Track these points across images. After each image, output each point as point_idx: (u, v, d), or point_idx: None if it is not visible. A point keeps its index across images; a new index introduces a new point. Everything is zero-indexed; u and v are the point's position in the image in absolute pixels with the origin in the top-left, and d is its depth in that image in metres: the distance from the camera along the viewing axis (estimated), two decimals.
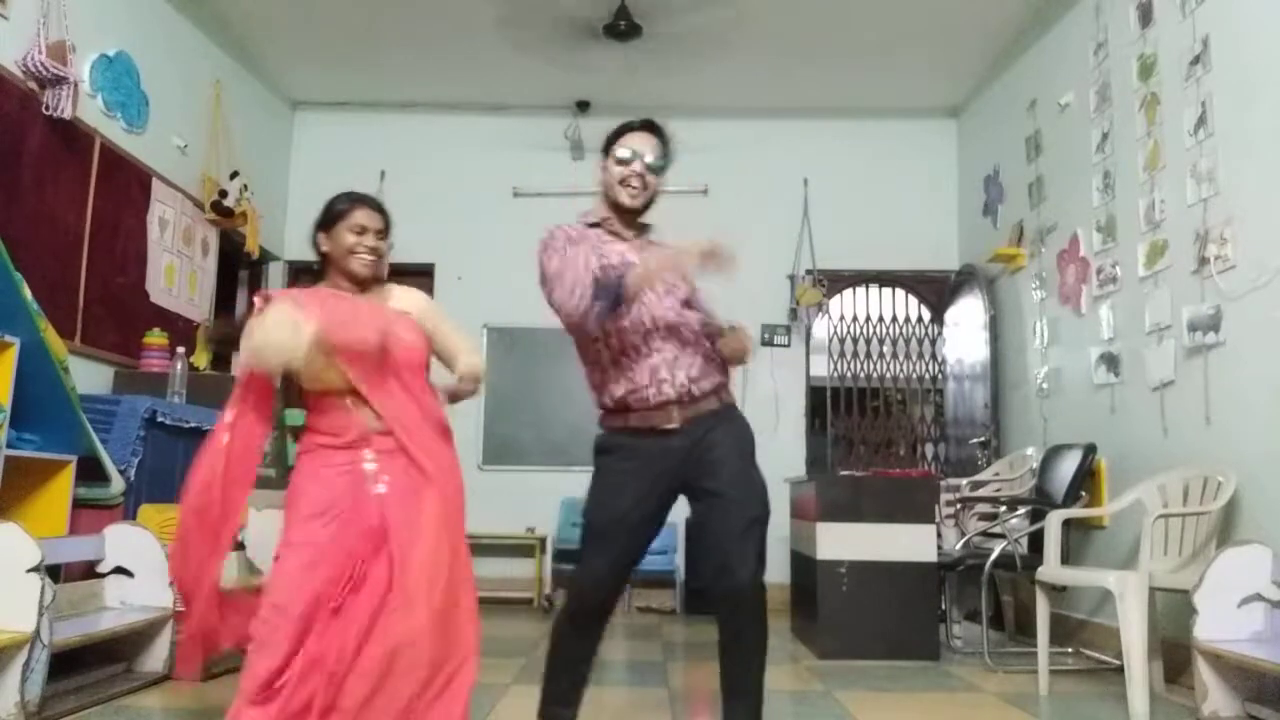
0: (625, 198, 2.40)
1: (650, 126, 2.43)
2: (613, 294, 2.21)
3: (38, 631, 2.69)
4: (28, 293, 3.25)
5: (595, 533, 2.36)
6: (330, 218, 2.38)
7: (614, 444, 2.40)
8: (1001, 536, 4.31)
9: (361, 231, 2.36)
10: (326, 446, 2.30)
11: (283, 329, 2.11)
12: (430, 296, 2.53)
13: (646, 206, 2.44)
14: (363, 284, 2.40)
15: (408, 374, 2.30)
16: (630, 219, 2.45)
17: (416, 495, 2.25)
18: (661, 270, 2.27)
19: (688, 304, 2.41)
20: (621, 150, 2.38)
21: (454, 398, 2.46)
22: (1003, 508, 4.50)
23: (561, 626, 2.40)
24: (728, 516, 2.27)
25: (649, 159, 2.38)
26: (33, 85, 3.93)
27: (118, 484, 3.66)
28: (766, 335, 6.40)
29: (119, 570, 3.48)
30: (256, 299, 2.24)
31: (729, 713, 2.27)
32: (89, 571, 3.48)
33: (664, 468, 2.32)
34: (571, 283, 2.22)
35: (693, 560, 5.91)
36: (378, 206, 2.43)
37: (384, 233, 2.41)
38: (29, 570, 2.72)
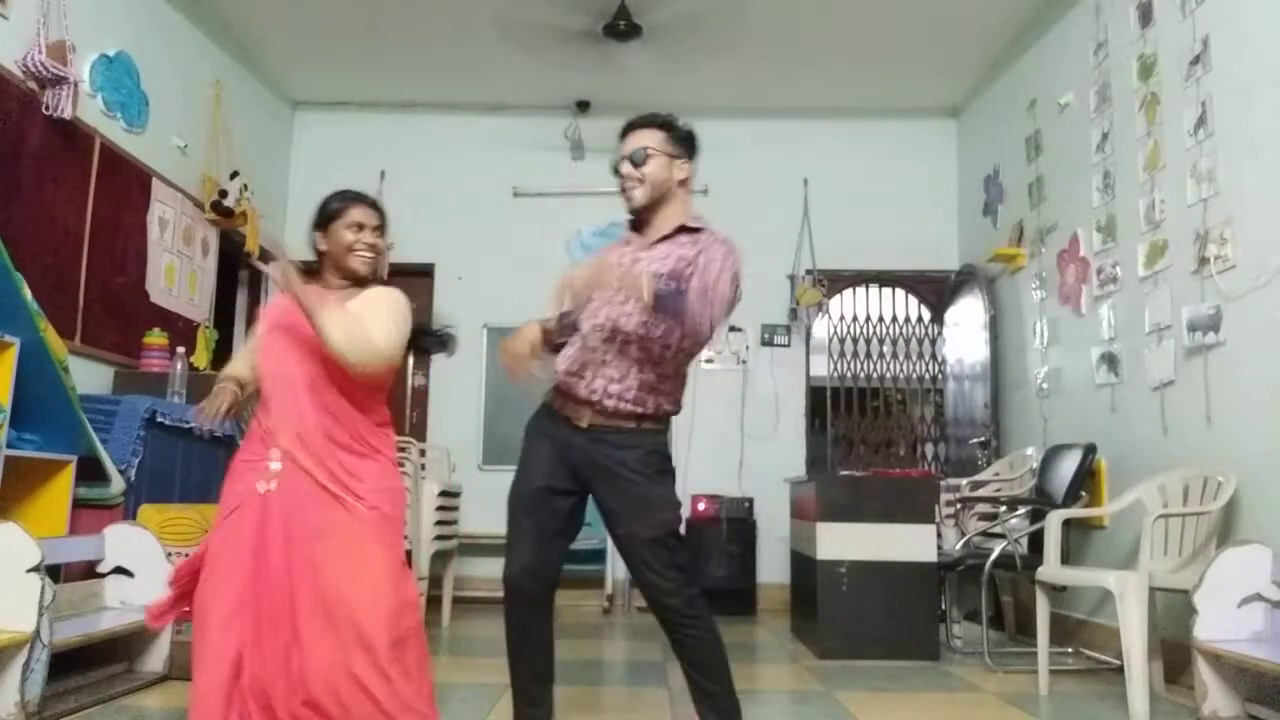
0: (624, 202, 2.40)
1: (634, 124, 2.41)
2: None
3: (38, 631, 2.69)
4: (28, 293, 3.25)
5: (511, 513, 2.36)
6: (326, 216, 2.38)
7: (536, 420, 2.45)
8: (1001, 536, 4.31)
9: (359, 228, 2.36)
10: (254, 436, 2.34)
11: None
12: (400, 296, 2.44)
13: (655, 202, 2.38)
14: (360, 282, 2.39)
15: (323, 385, 2.28)
16: (645, 220, 2.42)
17: (311, 506, 2.22)
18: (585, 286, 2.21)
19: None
20: (617, 160, 2.39)
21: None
22: (1003, 508, 4.50)
23: (507, 626, 2.36)
24: (628, 535, 2.29)
25: (632, 153, 2.36)
26: (33, 85, 3.93)
27: (118, 484, 3.66)
28: (766, 335, 6.41)
29: (119, 570, 3.48)
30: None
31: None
32: (89, 571, 3.47)
33: (569, 458, 2.33)
34: None
35: (693, 560, 5.90)
36: (373, 203, 2.43)
37: (380, 229, 2.41)
38: (29, 570, 2.72)
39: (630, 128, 2.42)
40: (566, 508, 2.35)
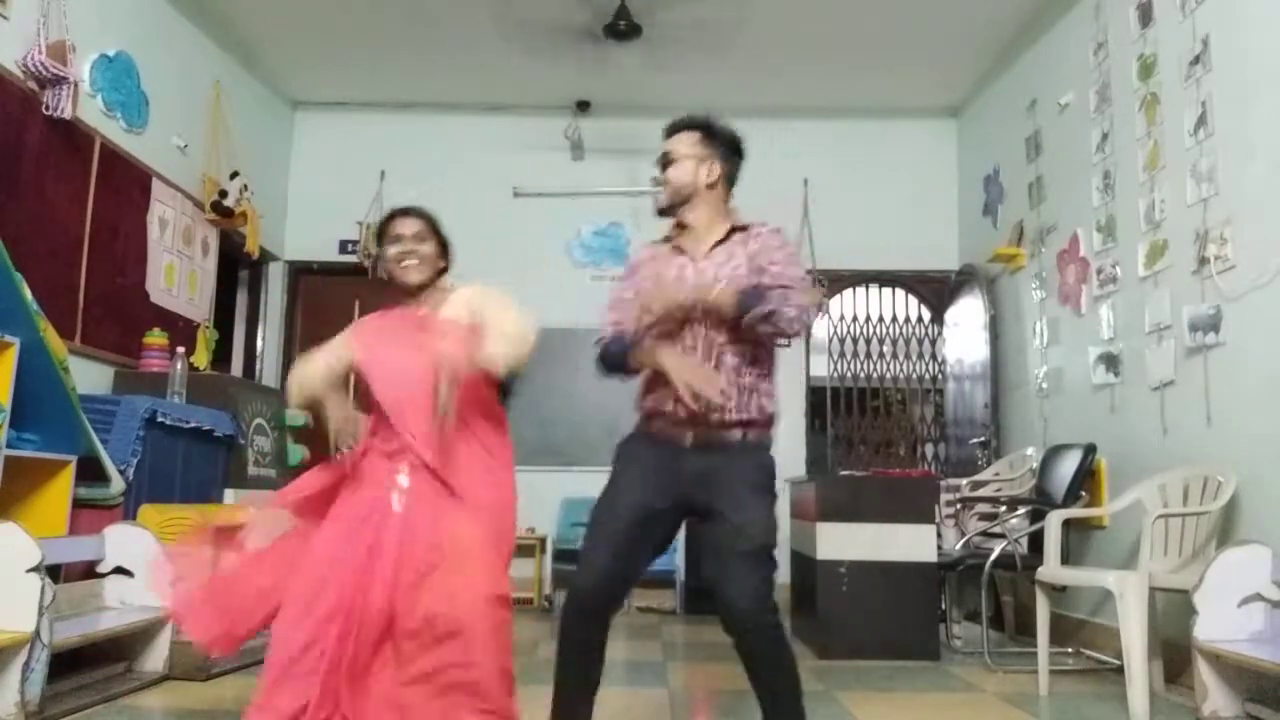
0: (655, 206, 2.43)
1: (670, 128, 2.43)
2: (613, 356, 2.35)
3: (38, 631, 2.69)
4: (28, 293, 3.25)
5: (596, 523, 2.32)
6: (379, 240, 2.44)
7: (632, 443, 2.40)
8: (1001, 536, 4.31)
9: (397, 240, 2.39)
10: (376, 451, 2.33)
11: (307, 368, 2.36)
12: (485, 288, 2.47)
13: (679, 205, 2.39)
14: (419, 291, 2.41)
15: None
16: (684, 224, 2.42)
17: (434, 518, 2.23)
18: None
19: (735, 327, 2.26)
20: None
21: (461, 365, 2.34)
22: (1003, 508, 4.50)
23: (564, 640, 2.31)
24: (726, 541, 2.23)
25: (660, 158, 2.39)
26: (33, 85, 3.93)
27: (118, 484, 3.66)
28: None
29: (119, 570, 3.48)
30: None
31: None
32: (89, 571, 3.48)
33: (673, 479, 2.28)
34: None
35: (693, 560, 5.91)
36: (413, 212, 2.44)
37: (424, 234, 2.41)
38: (29, 570, 2.72)
39: (667, 132, 2.43)
40: (655, 531, 2.31)
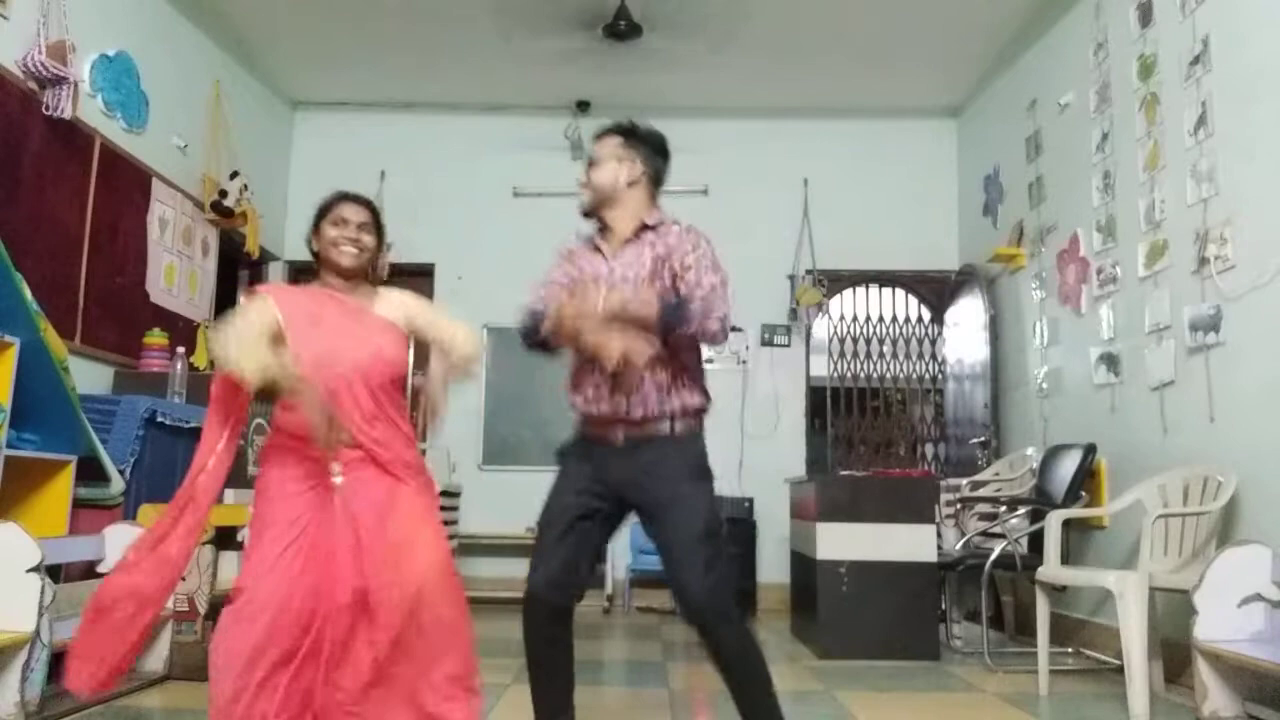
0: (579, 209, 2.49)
1: (597, 135, 2.49)
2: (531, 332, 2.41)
3: (38, 631, 2.69)
4: (28, 293, 3.25)
5: (540, 530, 2.38)
6: (317, 216, 2.42)
7: (570, 445, 2.45)
8: (1001, 536, 4.31)
9: (342, 223, 2.37)
10: (295, 451, 2.27)
11: (242, 347, 2.13)
12: (421, 296, 2.51)
13: (604, 205, 2.43)
14: (350, 278, 2.40)
15: (383, 393, 2.32)
16: (605, 224, 2.46)
17: (388, 492, 2.26)
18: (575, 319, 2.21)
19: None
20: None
21: (449, 377, 2.45)
22: (1003, 508, 4.50)
23: (528, 641, 2.35)
24: (671, 536, 2.27)
25: (585, 163, 2.47)
26: (33, 85, 3.93)
27: (117, 484, 3.66)
28: (766, 335, 6.41)
29: None
30: (247, 293, 2.30)
31: None
32: (89, 571, 3.48)
33: (608, 477, 2.33)
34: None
35: None
36: (363, 201, 2.45)
37: (369, 226, 2.41)
38: (29, 570, 2.72)
39: (594, 138, 2.50)
40: (598, 524, 2.36)
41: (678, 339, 2.26)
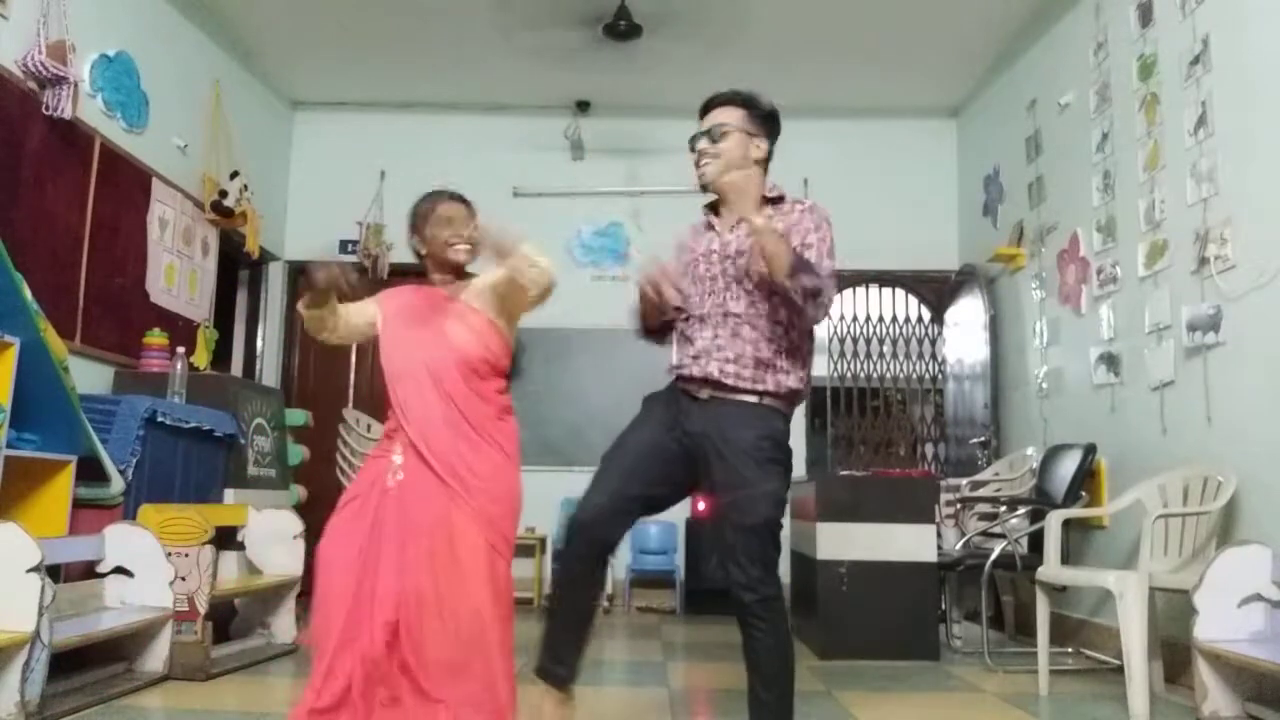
0: (697, 177, 2.42)
1: (715, 101, 2.46)
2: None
3: (38, 631, 2.69)
4: (28, 293, 3.24)
5: (604, 461, 2.36)
6: (418, 219, 2.48)
7: (654, 395, 2.44)
8: (1001, 536, 4.31)
9: (449, 223, 2.44)
10: (385, 432, 2.43)
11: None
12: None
13: (731, 180, 2.38)
14: (460, 276, 2.48)
15: (448, 377, 2.33)
16: (722, 199, 2.43)
17: (428, 500, 2.27)
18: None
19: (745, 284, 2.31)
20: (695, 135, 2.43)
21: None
22: (1003, 508, 4.50)
23: (562, 569, 2.38)
24: (726, 519, 2.25)
25: (710, 129, 2.39)
26: (33, 85, 3.93)
27: (118, 484, 3.65)
28: None
29: (119, 570, 3.48)
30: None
31: None
32: (89, 571, 3.47)
33: (683, 421, 2.32)
34: None
35: (693, 561, 5.91)
36: (457, 197, 2.51)
37: (471, 223, 2.47)
38: (29, 570, 2.72)
39: (710, 104, 2.45)
40: (659, 469, 2.33)
41: (789, 296, 2.21)
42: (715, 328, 2.32)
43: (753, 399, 2.29)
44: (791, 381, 2.33)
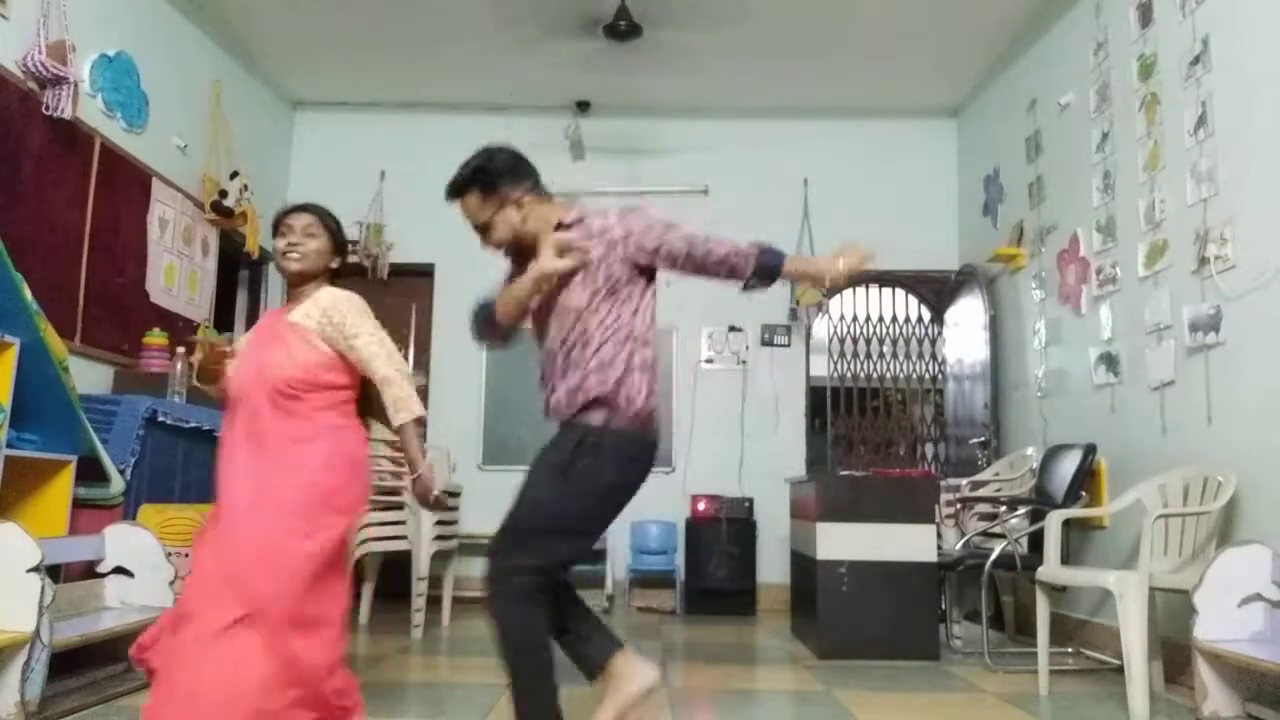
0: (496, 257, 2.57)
1: (455, 195, 2.56)
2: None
3: (38, 631, 2.69)
4: (28, 293, 3.25)
5: (588, 525, 2.38)
6: (274, 235, 2.59)
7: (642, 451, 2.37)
8: (1001, 536, 4.31)
9: (287, 231, 2.53)
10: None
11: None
12: (357, 300, 2.54)
13: (511, 247, 2.49)
14: (303, 283, 2.54)
15: (260, 398, 2.41)
16: (526, 256, 2.47)
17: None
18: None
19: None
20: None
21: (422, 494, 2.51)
22: (1003, 508, 4.50)
23: (523, 620, 2.24)
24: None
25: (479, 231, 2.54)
26: (33, 85, 3.93)
27: (117, 484, 3.66)
28: (766, 335, 6.41)
29: (119, 570, 3.48)
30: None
31: None
32: (89, 571, 3.48)
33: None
34: None
35: (693, 561, 5.90)
36: (305, 208, 2.59)
37: (312, 230, 2.54)
38: (29, 570, 2.72)
39: (453, 195, 2.55)
40: None
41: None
42: (561, 351, 2.37)
43: (569, 415, 2.34)
44: (597, 388, 2.30)
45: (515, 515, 2.27)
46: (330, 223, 2.58)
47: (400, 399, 2.42)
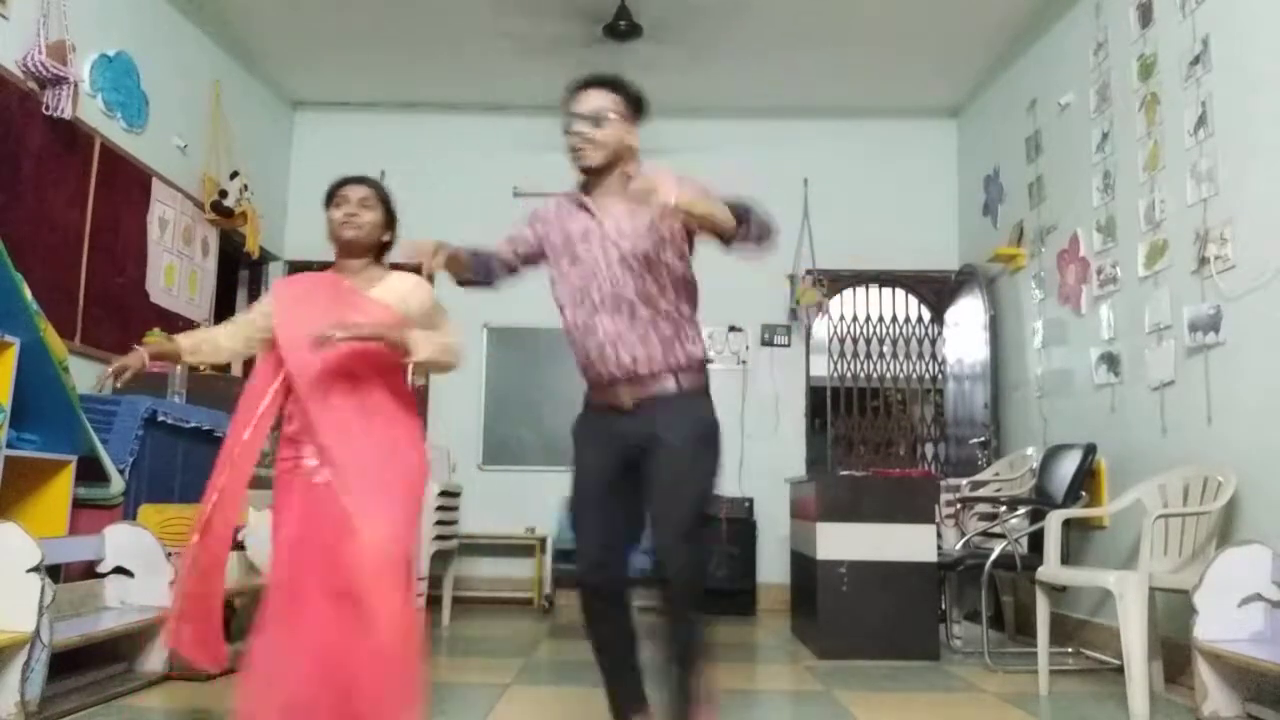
0: (573, 160, 2.38)
1: (588, 84, 2.37)
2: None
3: (38, 631, 2.69)
4: (28, 293, 3.25)
5: (574, 513, 2.39)
6: (326, 206, 2.49)
7: (581, 422, 2.44)
8: (1001, 536, 4.31)
9: (343, 202, 2.45)
10: (285, 436, 2.46)
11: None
12: (427, 287, 2.55)
13: (609, 165, 2.35)
14: (355, 255, 2.47)
15: (346, 373, 2.34)
16: (594, 183, 2.39)
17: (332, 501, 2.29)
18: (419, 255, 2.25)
19: (649, 264, 2.29)
20: (565, 121, 2.36)
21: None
22: (1003, 508, 4.50)
23: (587, 630, 2.36)
24: (658, 503, 2.27)
25: (592, 114, 2.31)
26: (33, 85, 3.93)
27: (117, 484, 3.66)
28: (766, 335, 6.41)
29: (119, 570, 3.48)
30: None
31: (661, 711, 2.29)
32: (89, 571, 3.47)
33: (622, 444, 2.32)
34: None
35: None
36: (360, 180, 2.51)
37: (369, 203, 2.47)
38: (29, 570, 2.72)
39: (584, 86, 2.37)
40: (625, 500, 2.34)
41: (749, 243, 2.22)
42: (612, 314, 2.30)
43: (671, 384, 2.29)
44: (698, 351, 2.36)
45: (688, 508, 2.24)
46: (384, 196, 2.53)
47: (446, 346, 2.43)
